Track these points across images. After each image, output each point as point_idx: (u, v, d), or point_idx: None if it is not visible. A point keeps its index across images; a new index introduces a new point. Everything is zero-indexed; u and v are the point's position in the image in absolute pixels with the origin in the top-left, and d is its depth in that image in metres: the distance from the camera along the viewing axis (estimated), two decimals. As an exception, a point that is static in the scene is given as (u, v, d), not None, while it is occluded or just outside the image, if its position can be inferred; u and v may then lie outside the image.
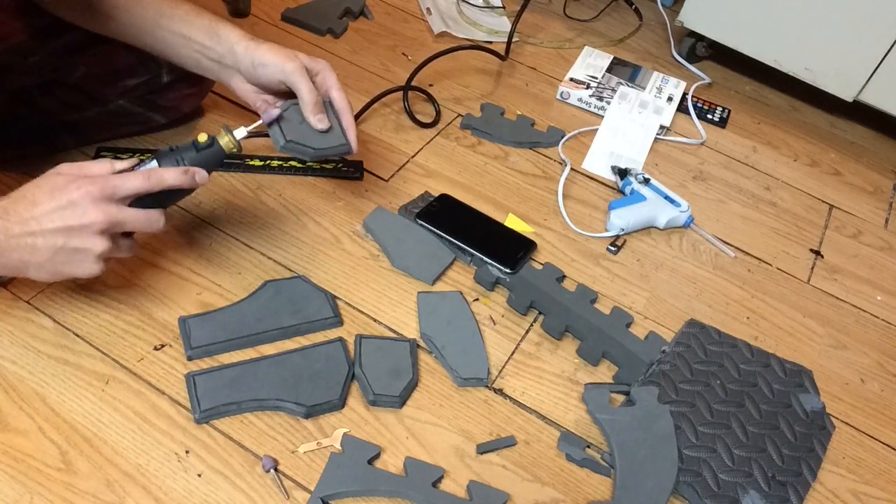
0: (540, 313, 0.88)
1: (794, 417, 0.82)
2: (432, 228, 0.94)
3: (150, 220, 0.69)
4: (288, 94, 0.81)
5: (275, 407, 0.74)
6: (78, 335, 0.77)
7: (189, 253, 0.87)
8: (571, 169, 1.08)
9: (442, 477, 0.72)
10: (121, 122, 0.96)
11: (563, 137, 1.13)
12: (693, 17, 1.27)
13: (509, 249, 0.93)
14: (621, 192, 1.06)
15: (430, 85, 1.18)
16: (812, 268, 1.03)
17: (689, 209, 1.02)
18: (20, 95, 0.88)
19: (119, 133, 0.97)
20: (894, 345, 0.94)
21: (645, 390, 0.80)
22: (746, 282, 0.98)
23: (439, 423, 0.77)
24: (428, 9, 1.34)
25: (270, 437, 0.73)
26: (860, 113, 1.26)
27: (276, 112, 0.77)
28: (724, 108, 1.26)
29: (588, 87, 1.21)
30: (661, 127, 1.18)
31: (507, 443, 0.76)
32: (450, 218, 0.96)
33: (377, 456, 0.72)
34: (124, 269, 0.83)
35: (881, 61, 1.14)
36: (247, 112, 1.04)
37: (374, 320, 0.85)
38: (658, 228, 1.02)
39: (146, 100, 0.95)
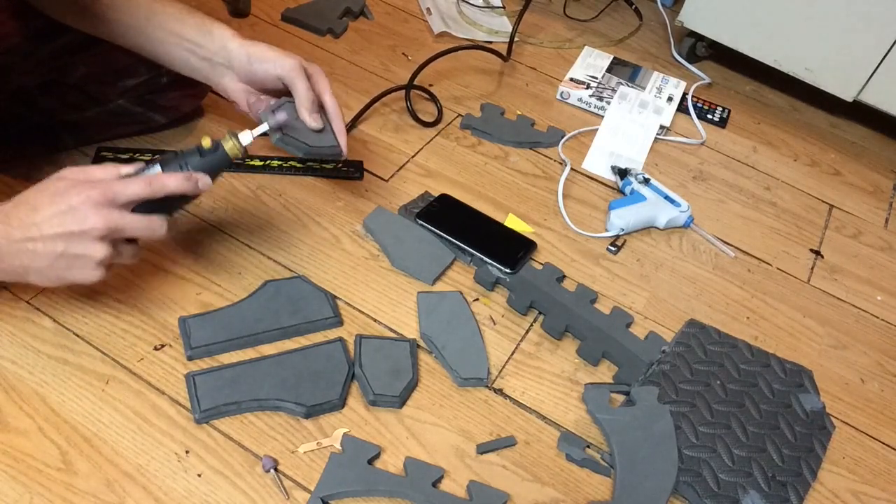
0: (540, 313, 0.88)
1: (794, 417, 0.82)
2: (432, 228, 0.94)
3: (151, 226, 0.69)
4: (279, 94, 0.81)
5: (275, 407, 0.74)
6: (78, 335, 0.77)
7: (189, 253, 0.87)
8: (571, 169, 1.08)
9: (442, 477, 0.72)
10: (121, 121, 0.96)
11: (563, 137, 1.13)
12: (693, 17, 1.27)
13: (509, 249, 0.93)
14: (621, 192, 1.06)
15: (431, 85, 1.18)
16: (812, 268, 1.03)
17: (689, 209, 1.02)
18: (20, 95, 0.88)
19: (119, 133, 0.97)
20: (894, 345, 0.94)
21: (645, 390, 0.80)
22: (746, 282, 0.98)
23: (439, 423, 0.77)
24: (428, 9, 1.34)
25: (270, 437, 0.73)
26: (860, 113, 1.25)
27: (282, 116, 0.77)
28: (724, 108, 1.26)
29: (588, 87, 1.21)
30: (661, 127, 1.18)
31: (507, 443, 0.76)
32: (450, 218, 0.96)
33: (377, 456, 0.72)
34: (124, 269, 0.83)
35: (881, 61, 1.14)
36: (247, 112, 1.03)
37: (374, 320, 0.85)
38: (658, 228, 1.02)
39: (146, 100, 0.95)
